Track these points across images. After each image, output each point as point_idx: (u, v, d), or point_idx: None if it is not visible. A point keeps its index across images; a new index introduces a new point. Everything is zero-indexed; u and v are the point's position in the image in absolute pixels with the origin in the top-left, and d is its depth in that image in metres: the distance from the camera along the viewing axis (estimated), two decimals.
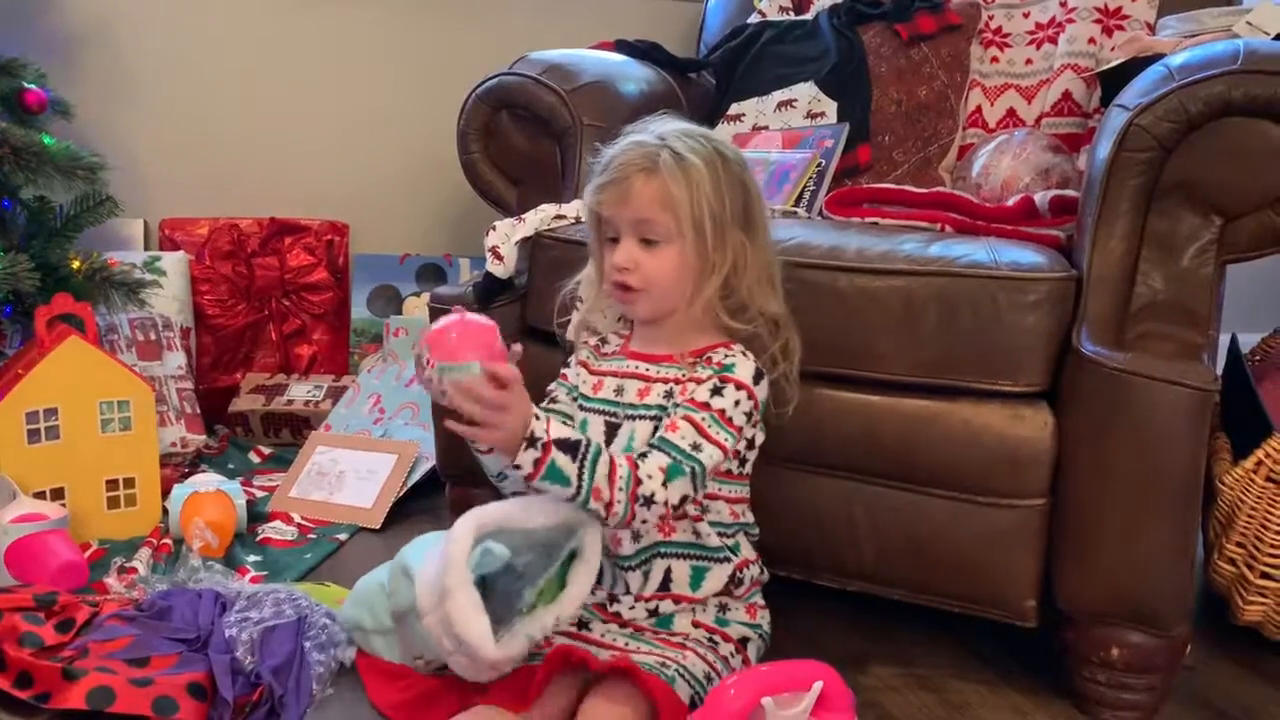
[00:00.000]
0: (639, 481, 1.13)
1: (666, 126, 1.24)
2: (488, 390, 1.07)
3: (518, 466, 1.09)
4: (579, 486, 1.10)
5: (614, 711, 1.08)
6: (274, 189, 2.41)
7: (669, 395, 1.22)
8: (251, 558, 1.66)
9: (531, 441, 1.08)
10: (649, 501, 1.13)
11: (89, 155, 1.92)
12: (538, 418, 1.10)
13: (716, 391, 1.19)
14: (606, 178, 1.22)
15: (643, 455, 1.16)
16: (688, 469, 1.15)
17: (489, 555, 1.12)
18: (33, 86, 1.93)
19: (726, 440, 1.18)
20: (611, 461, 1.12)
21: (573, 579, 1.17)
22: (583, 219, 1.57)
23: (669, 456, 1.15)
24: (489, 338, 1.13)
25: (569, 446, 1.10)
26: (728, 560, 1.25)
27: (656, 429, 1.20)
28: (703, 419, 1.17)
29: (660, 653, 1.17)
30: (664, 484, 1.14)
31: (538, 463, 1.09)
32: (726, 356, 1.22)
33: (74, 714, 1.16)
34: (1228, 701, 1.33)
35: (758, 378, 1.21)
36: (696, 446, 1.16)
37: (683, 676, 1.13)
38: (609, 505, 1.12)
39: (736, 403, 1.19)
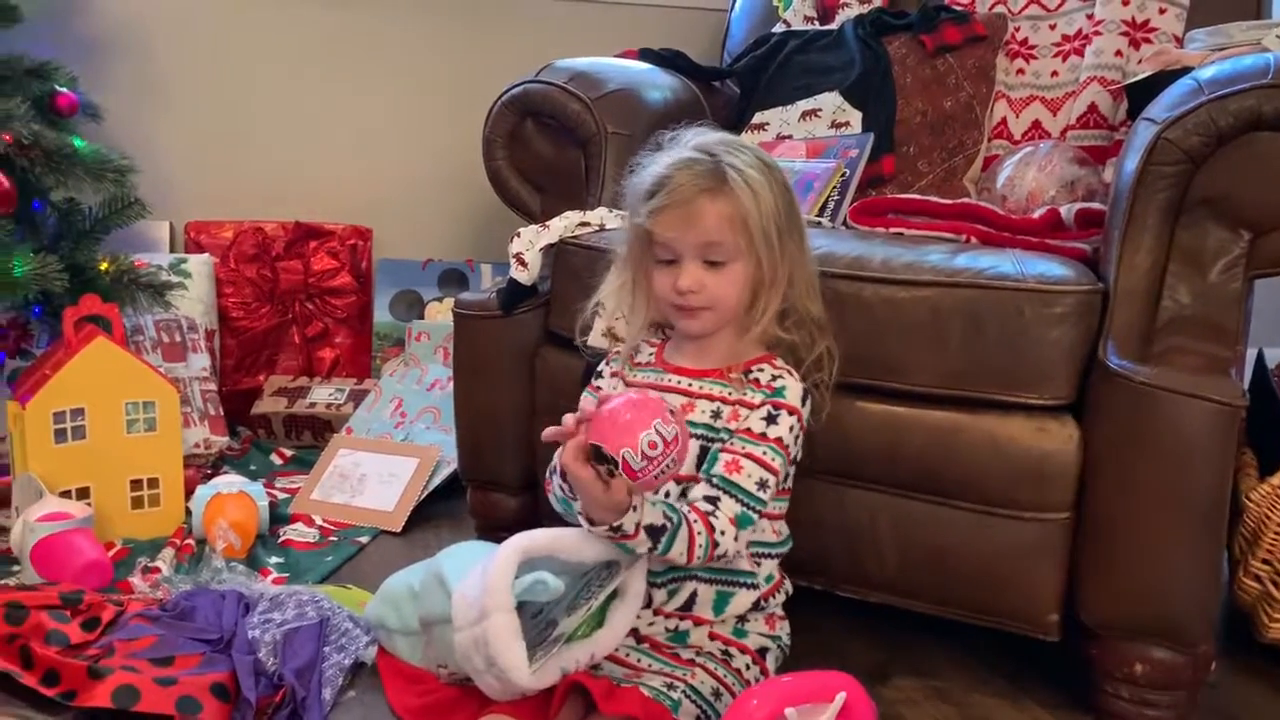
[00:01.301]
0: (715, 544, 1.13)
1: (706, 138, 1.22)
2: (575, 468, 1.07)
3: (590, 522, 1.10)
4: (648, 554, 1.12)
5: None
6: (298, 193, 2.43)
7: (716, 415, 1.21)
8: (273, 559, 1.67)
9: (615, 529, 1.09)
10: (722, 555, 1.16)
11: (118, 158, 1.93)
12: (634, 509, 1.09)
13: (771, 420, 1.19)
14: (666, 200, 1.17)
15: (712, 501, 1.15)
16: (755, 514, 1.16)
17: (541, 586, 1.11)
18: (64, 90, 1.95)
19: (781, 467, 1.19)
20: (690, 534, 1.12)
21: (611, 618, 1.18)
22: (607, 226, 1.58)
23: (739, 503, 1.15)
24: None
25: (653, 532, 1.11)
26: (755, 587, 1.24)
27: (705, 450, 1.20)
28: (763, 452, 1.17)
29: (669, 671, 1.17)
30: (735, 536, 1.15)
31: (609, 536, 1.10)
32: (775, 378, 1.21)
33: (99, 712, 1.16)
34: (1252, 719, 1.32)
35: (803, 398, 1.22)
36: (763, 484, 1.17)
37: (689, 698, 1.13)
38: (674, 564, 1.16)
39: (790, 428, 1.19)
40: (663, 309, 1.25)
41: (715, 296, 1.19)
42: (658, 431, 1.05)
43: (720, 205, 1.17)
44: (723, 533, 1.13)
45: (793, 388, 1.21)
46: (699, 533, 1.12)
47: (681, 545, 1.11)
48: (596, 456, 1.06)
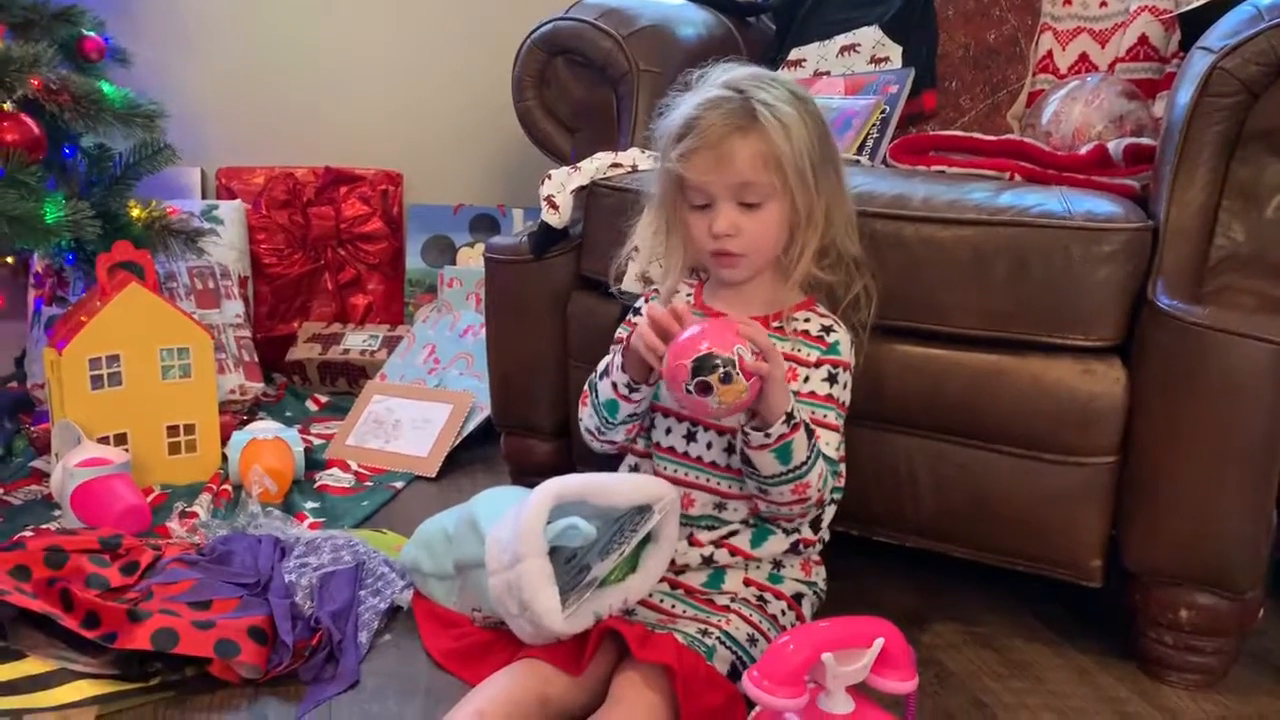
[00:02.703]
0: (824, 484, 1.14)
1: (735, 74, 1.18)
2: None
3: (764, 432, 1.07)
4: (792, 471, 1.10)
5: (645, 693, 1.06)
6: (329, 138, 2.41)
7: None
8: (309, 504, 1.68)
9: (789, 417, 1.07)
10: (819, 504, 1.17)
11: (147, 103, 1.92)
12: (794, 394, 1.10)
13: (832, 380, 1.18)
14: (696, 142, 1.14)
15: None
16: (833, 477, 1.18)
17: (574, 531, 1.11)
18: (91, 34, 1.94)
19: (842, 425, 1.19)
20: (822, 464, 1.13)
21: (645, 563, 1.17)
22: (640, 167, 1.54)
23: (826, 466, 1.15)
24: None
25: (810, 431, 1.11)
26: (795, 532, 1.23)
27: None
28: (835, 417, 1.18)
29: (704, 618, 1.16)
30: (829, 491, 1.18)
31: (781, 436, 1.08)
32: (826, 329, 1.20)
33: (139, 654, 1.18)
34: None
35: (849, 346, 1.21)
36: (838, 447, 1.18)
37: (724, 644, 1.13)
38: (801, 500, 1.13)
39: (845, 385, 1.19)
40: (699, 255, 1.22)
41: (752, 239, 1.16)
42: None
43: (752, 144, 1.13)
44: (822, 483, 1.15)
45: (844, 340, 1.20)
46: (823, 469, 1.13)
47: (819, 468, 1.12)
48: (699, 369, 1.03)
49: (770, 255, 1.19)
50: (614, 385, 1.19)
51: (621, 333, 1.29)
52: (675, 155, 1.16)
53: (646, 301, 1.30)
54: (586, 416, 1.25)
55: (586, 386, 1.25)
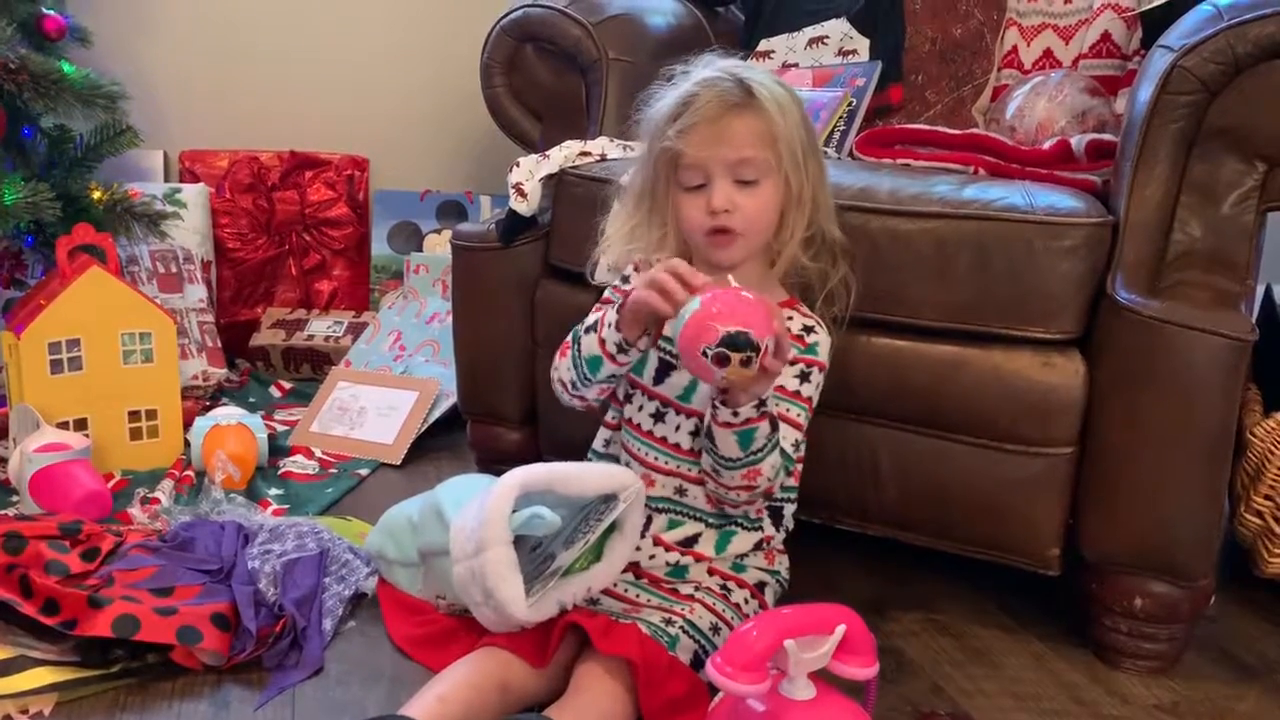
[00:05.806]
0: (777, 475, 1.15)
1: (723, 62, 1.20)
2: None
3: (733, 410, 1.08)
4: (750, 455, 1.11)
5: (606, 683, 1.06)
6: (294, 121, 2.39)
7: None
8: (273, 491, 1.67)
9: (761, 404, 1.08)
10: (763, 494, 1.17)
11: (108, 84, 1.89)
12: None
13: (804, 378, 1.20)
14: (695, 118, 1.15)
15: None
16: (788, 472, 1.19)
17: (539, 520, 1.11)
18: (51, 12, 1.91)
19: (806, 423, 1.21)
20: (776, 455, 1.13)
21: (609, 552, 1.17)
22: (609, 156, 1.54)
23: (781, 460, 1.16)
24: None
25: (774, 423, 1.12)
26: (758, 529, 1.24)
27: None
28: (798, 414, 1.19)
29: (667, 607, 1.17)
30: (779, 485, 1.19)
31: (748, 420, 1.08)
32: (807, 329, 1.21)
33: (99, 641, 1.17)
34: (1248, 652, 1.33)
35: (828, 348, 1.22)
36: (797, 444, 1.19)
37: (687, 633, 1.13)
38: (749, 487, 1.14)
39: (817, 385, 1.21)
40: (693, 238, 1.22)
41: (748, 217, 1.17)
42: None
43: (749, 120, 1.15)
44: (774, 474, 1.15)
45: (824, 342, 1.21)
46: (779, 461, 1.14)
47: (775, 458, 1.13)
48: (731, 343, 0.98)
49: (764, 236, 1.19)
50: (603, 341, 1.16)
51: (609, 294, 1.28)
52: (673, 132, 1.16)
53: (636, 270, 1.28)
54: (564, 368, 1.23)
55: (570, 337, 1.23)
